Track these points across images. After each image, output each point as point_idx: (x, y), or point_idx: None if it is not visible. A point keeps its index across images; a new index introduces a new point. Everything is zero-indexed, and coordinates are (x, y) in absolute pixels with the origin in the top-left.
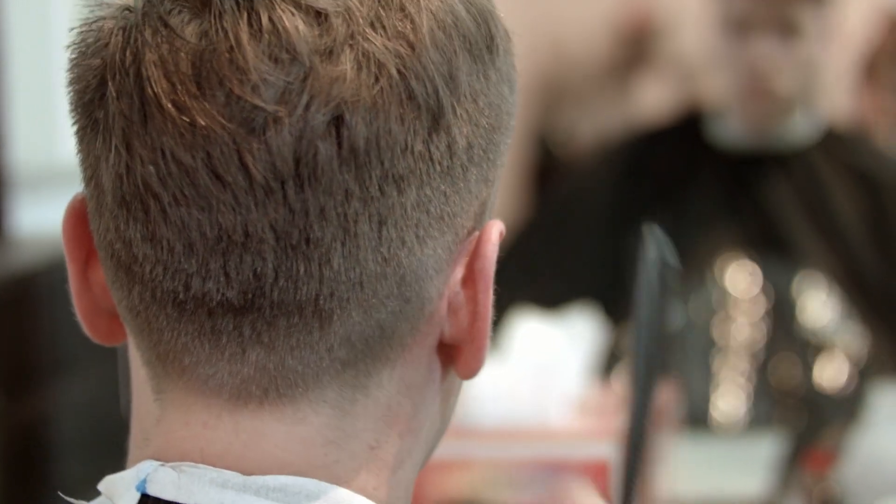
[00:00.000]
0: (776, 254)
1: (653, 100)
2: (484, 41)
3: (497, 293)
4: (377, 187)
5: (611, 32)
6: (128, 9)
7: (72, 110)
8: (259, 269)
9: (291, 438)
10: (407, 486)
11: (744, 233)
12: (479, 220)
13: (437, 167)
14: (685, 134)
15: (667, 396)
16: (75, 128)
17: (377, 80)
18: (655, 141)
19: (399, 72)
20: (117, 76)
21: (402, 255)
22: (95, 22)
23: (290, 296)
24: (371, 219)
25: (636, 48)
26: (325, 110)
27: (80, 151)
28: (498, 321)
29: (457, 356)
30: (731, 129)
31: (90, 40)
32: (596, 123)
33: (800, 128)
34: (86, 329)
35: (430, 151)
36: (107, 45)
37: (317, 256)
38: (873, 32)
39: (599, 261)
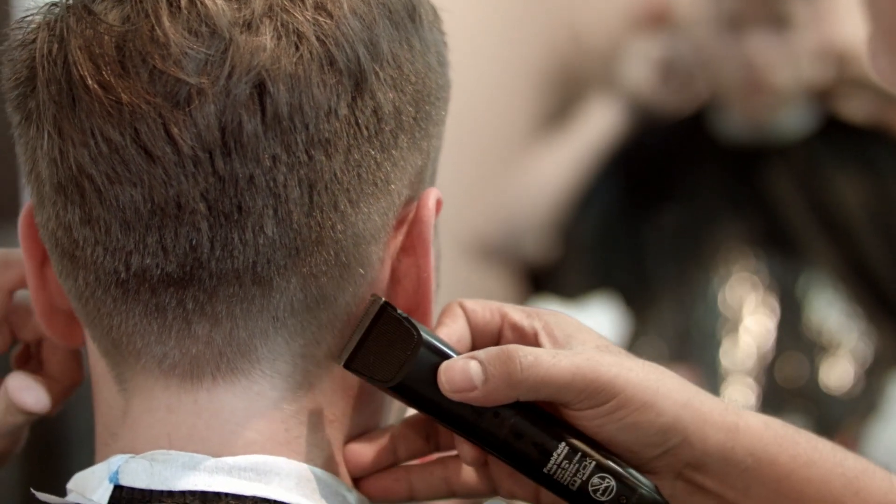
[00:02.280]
0: (781, 251)
1: None
2: (405, 9)
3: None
4: (304, 152)
5: (629, 23)
6: (54, 4)
7: (9, 108)
8: (195, 241)
9: (251, 415)
10: None
11: (749, 230)
12: (417, 190)
13: (365, 131)
14: (690, 126)
15: None
16: (15, 124)
17: (297, 48)
18: (662, 133)
19: (319, 40)
20: (46, 65)
21: (335, 220)
22: (24, 19)
23: (228, 265)
24: (301, 184)
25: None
26: (247, 79)
27: (20, 147)
28: None
29: None
30: (732, 123)
31: (19, 37)
32: None
33: (800, 118)
34: (44, 328)
35: (355, 115)
36: (34, 39)
37: (250, 224)
38: None
39: (612, 251)
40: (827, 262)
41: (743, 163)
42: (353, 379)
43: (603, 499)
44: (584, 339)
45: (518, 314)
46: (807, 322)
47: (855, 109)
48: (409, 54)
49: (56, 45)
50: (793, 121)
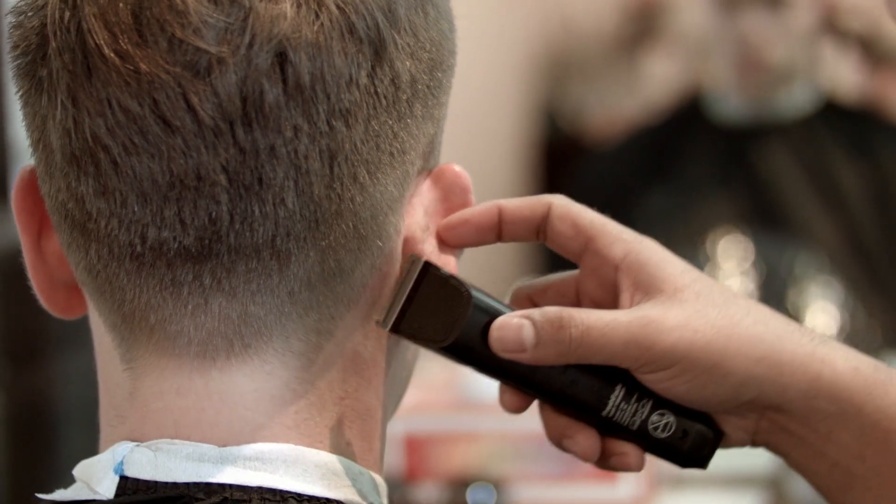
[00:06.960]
0: (771, 228)
1: (661, 75)
2: None
3: None
4: (325, 122)
5: (619, 7)
6: None
7: (15, 74)
8: (214, 213)
9: (260, 398)
10: (381, 437)
11: (739, 207)
12: (428, 160)
13: (383, 101)
14: (686, 115)
15: None
16: (20, 92)
17: (317, 16)
18: (660, 125)
19: (339, 7)
20: (58, 32)
21: (354, 192)
22: None
23: (247, 238)
24: (322, 155)
25: (644, 23)
26: (268, 48)
27: (25, 115)
28: None
29: None
30: (731, 106)
31: (29, 1)
32: (604, 98)
33: (798, 98)
34: (43, 302)
35: (374, 85)
36: (45, 5)
37: (271, 197)
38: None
39: None
40: (818, 241)
41: (738, 143)
42: (364, 352)
43: (663, 436)
44: (663, 285)
45: (605, 241)
46: (792, 303)
47: (846, 71)
48: (424, 21)
49: (69, 13)
50: (790, 101)
